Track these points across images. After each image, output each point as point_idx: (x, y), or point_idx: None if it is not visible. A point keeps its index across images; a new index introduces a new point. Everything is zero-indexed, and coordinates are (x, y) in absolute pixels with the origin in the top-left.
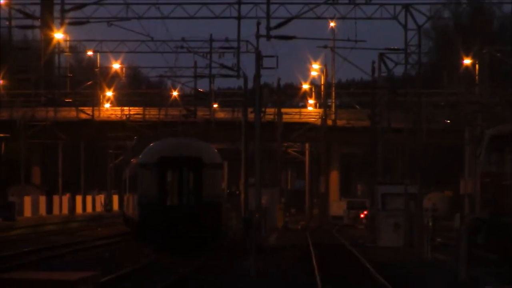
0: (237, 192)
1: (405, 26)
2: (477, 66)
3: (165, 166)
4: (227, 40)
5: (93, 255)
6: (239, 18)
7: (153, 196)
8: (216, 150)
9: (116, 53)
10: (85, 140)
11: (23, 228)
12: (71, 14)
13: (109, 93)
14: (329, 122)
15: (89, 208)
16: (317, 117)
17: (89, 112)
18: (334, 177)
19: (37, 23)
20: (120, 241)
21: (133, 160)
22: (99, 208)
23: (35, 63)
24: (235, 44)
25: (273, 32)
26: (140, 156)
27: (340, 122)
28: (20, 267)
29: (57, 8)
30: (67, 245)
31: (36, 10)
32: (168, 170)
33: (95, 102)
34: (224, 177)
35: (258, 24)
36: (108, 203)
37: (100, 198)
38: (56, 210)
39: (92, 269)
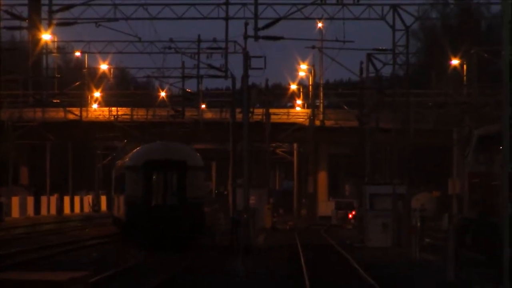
0: (225, 193)
1: (393, 27)
2: (465, 66)
3: (150, 168)
4: (215, 40)
5: (81, 255)
6: (226, 18)
7: (139, 196)
8: (198, 154)
9: (104, 54)
10: (73, 141)
11: (11, 229)
12: (58, 15)
13: (97, 94)
14: (317, 123)
15: (77, 209)
16: (305, 117)
17: (77, 112)
18: (322, 177)
19: (25, 24)
20: (109, 242)
21: (119, 162)
22: (87, 209)
23: (22, 64)
24: (223, 45)
25: (261, 33)
26: (127, 159)
27: (328, 123)
28: (10, 267)
29: (44, 9)
30: (57, 245)
31: (24, 11)
32: (154, 173)
33: (83, 102)
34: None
35: (246, 24)
36: (96, 203)
37: (88, 199)
38: (44, 211)
39: (81, 270)
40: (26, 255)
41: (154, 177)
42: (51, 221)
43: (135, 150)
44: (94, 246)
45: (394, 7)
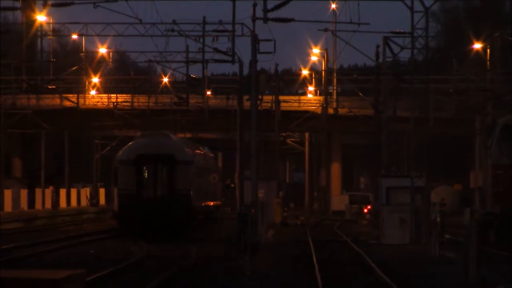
0: (232, 186)
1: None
2: (488, 50)
3: (142, 163)
4: (221, 23)
5: (78, 252)
6: None
7: (131, 189)
8: (187, 148)
9: (102, 37)
10: (69, 130)
11: (2, 224)
12: None
13: (95, 79)
14: (330, 111)
15: (73, 202)
16: (318, 105)
17: (74, 99)
18: (336, 169)
19: (18, 4)
20: (107, 237)
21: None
22: (84, 202)
23: (16, 47)
24: (229, 27)
25: (271, 15)
26: (120, 154)
27: (342, 111)
28: (3, 264)
29: None
30: (52, 241)
31: None
32: (144, 166)
33: (80, 89)
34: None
35: (255, 5)
36: (94, 196)
37: (86, 192)
38: (38, 205)
39: (77, 267)
40: (19, 251)
41: (145, 170)
42: (46, 215)
43: (127, 145)
44: (92, 242)
45: None
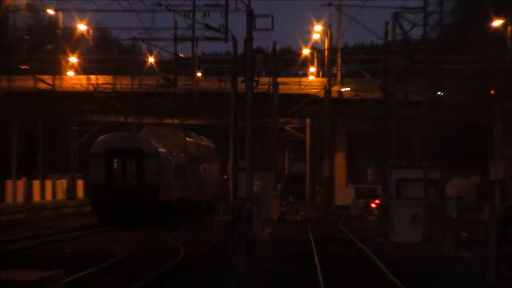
0: (225, 177)
1: None
2: (509, 28)
3: (111, 155)
4: None
5: (53, 251)
6: None
7: (101, 179)
8: (155, 144)
9: (81, 12)
10: (44, 115)
11: None
12: None
13: (74, 59)
14: (334, 94)
15: (48, 195)
16: (320, 87)
17: (50, 81)
18: (340, 159)
19: None
20: (87, 234)
21: None
22: (60, 196)
23: None
24: (222, 2)
25: None
26: (91, 148)
27: (347, 94)
28: None
29: None
30: (25, 238)
31: None
32: (114, 159)
33: (57, 69)
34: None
35: None
36: (71, 189)
37: (62, 184)
38: (9, 198)
39: (54, 267)
40: None
41: (114, 163)
42: (17, 210)
43: (97, 139)
44: (70, 239)
45: None
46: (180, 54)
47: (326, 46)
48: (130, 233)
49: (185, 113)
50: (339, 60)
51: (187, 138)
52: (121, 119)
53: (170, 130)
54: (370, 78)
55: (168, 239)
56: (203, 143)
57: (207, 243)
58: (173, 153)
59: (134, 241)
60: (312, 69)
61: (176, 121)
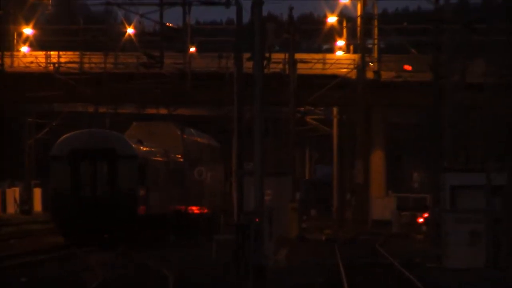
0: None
1: None
2: None
3: (77, 158)
4: None
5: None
6: None
7: (65, 187)
8: (130, 143)
9: None
10: None
11: None
12: None
13: (28, 31)
14: (370, 75)
15: None
16: (351, 67)
17: None
18: (378, 160)
19: None
20: (48, 259)
21: None
22: (11, 208)
23: None
24: None
25: None
26: (52, 149)
27: (386, 75)
28: None
29: None
30: None
31: None
32: (81, 162)
33: (7, 44)
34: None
35: None
36: (26, 200)
37: (14, 193)
38: None
39: None
40: None
41: (81, 167)
42: None
43: (60, 138)
44: (26, 265)
45: None
46: (167, 24)
47: (358, 13)
48: (103, 256)
49: (174, 100)
50: (375, 31)
51: (186, 136)
52: (91, 109)
53: (165, 127)
54: (416, 54)
55: (152, 264)
56: (205, 142)
57: (203, 269)
58: (166, 155)
59: (108, 267)
60: (341, 43)
61: (162, 111)
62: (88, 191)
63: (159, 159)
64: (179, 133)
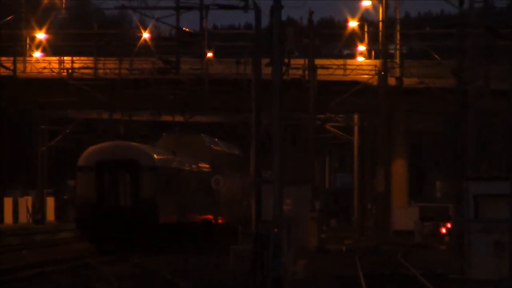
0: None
1: None
2: None
3: (102, 169)
4: None
5: None
6: None
7: (91, 198)
8: (154, 155)
9: None
10: (2, 108)
11: None
12: None
13: (41, 35)
14: (392, 81)
15: (8, 218)
16: (373, 73)
17: (9, 65)
18: (400, 168)
19: None
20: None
21: None
22: (24, 218)
23: None
24: None
25: None
26: (79, 160)
27: (408, 81)
28: None
29: None
30: None
31: None
32: (106, 173)
33: (19, 49)
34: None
35: None
36: (38, 209)
37: (26, 202)
38: None
39: None
40: None
41: (106, 178)
42: None
43: (86, 150)
44: (37, 277)
45: None
46: (184, 28)
47: (380, 17)
48: (118, 267)
49: (191, 106)
50: (398, 36)
51: (213, 146)
52: (105, 116)
53: (194, 137)
54: (439, 59)
55: (168, 274)
56: (231, 152)
57: (220, 280)
58: (193, 165)
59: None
60: (362, 48)
61: (178, 118)
62: (112, 200)
63: (188, 168)
64: (207, 144)
